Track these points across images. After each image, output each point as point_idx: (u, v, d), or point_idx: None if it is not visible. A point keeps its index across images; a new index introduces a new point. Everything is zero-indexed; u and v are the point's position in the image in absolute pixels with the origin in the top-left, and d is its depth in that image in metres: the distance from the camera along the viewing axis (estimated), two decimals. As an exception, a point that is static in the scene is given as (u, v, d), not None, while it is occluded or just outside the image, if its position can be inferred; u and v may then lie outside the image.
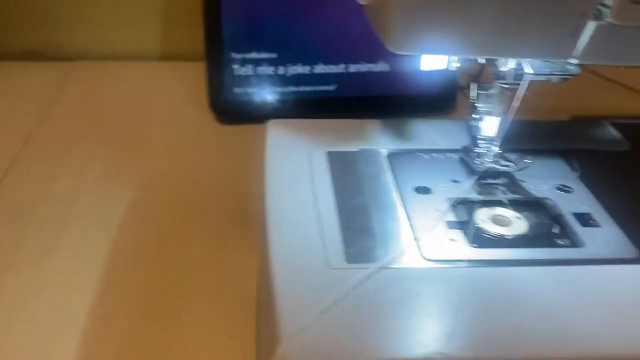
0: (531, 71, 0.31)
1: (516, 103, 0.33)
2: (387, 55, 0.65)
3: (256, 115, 0.65)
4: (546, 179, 0.37)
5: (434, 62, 0.32)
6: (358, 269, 0.30)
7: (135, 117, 0.68)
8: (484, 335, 0.27)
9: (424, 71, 0.65)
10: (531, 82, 0.33)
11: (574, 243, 0.32)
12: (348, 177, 0.37)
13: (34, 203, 0.53)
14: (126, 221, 0.52)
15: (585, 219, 0.34)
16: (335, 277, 0.29)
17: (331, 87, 0.67)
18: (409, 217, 0.34)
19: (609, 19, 0.26)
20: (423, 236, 0.32)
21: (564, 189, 0.36)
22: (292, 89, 0.67)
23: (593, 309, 0.28)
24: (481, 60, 0.33)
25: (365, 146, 0.40)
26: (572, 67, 0.31)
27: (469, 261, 0.31)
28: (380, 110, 0.63)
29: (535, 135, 0.42)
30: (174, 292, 0.45)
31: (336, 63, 0.66)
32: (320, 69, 0.66)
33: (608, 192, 0.36)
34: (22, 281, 0.45)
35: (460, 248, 0.32)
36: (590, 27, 0.27)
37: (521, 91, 0.32)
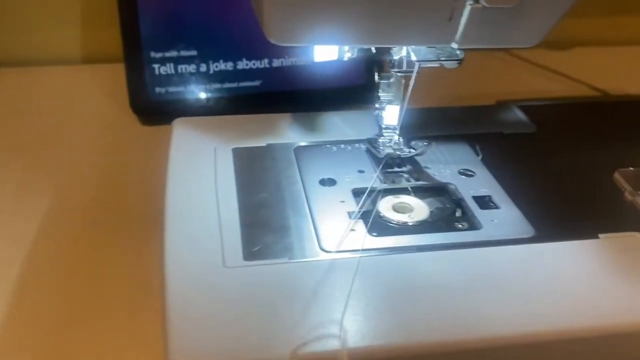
0: (416, 58, 0.31)
1: (409, 89, 0.33)
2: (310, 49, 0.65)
3: (179, 115, 0.64)
4: (450, 164, 0.37)
5: (325, 53, 0.32)
6: (255, 266, 0.29)
7: (56, 123, 0.65)
8: (384, 322, 0.26)
9: (347, 63, 0.65)
10: (424, 69, 0.33)
11: (473, 226, 0.33)
12: (253, 172, 0.36)
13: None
14: (43, 229, 0.50)
15: (485, 202, 0.34)
16: (230, 275, 0.29)
17: (255, 83, 0.66)
18: (310, 210, 0.33)
19: (482, 2, 0.26)
20: (323, 228, 0.32)
21: (466, 173, 0.37)
22: (216, 86, 0.66)
23: (490, 289, 0.28)
24: (373, 49, 0.33)
25: (273, 141, 0.40)
26: (459, 52, 0.31)
27: (368, 250, 0.31)
28: (306, 104, 0.62)
29: (443, 122, 0.42)
30: (90, 298, 0.43)
31: (259, 58, 0.65)
32: (243, 64, 0.65)
33: (509, 174, 0.37)
34: None
35: (360, 238, 0.32)
36: (466, 11, 0.27)
37: (412, 78, 0.32)
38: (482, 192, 0.35)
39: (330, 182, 0.36)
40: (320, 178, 0.36)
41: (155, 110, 0.65)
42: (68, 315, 0.43)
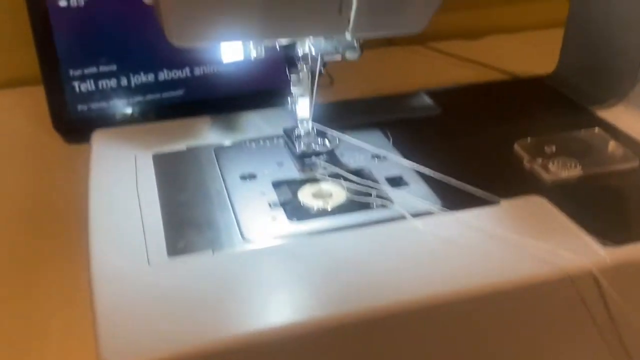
0: (313, 51, 0.33)
1: (315, 82, 0.35)
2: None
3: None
4: (363, 150, 0.40)
5: (232, 53, 0.34)
6: (179, 262, 0.30)
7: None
8: (308, 299, 0.28)
9: (266, 65, 0.66)
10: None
11: (387, 204, 0.35)
12: (174, 176, 0.37)
13: None
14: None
15: (396, 181, 0.37)
16: (155, 273, 0.30)
17: (178, 92, 0.67)
18: (232, 204, 0.35)
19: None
20: (245, 219, 0.33)
21: (378, 156, 0.39)
22: (139, 98, 0.66)
23: (402, 258, 0.30)
24: (278, 46, 0.34)
25: (193, 144, 0.41)
26: (350, 43, 0.33)
27: (289, 236, 0.32)
28: (230, 109, 0.64)
29: (358, 112, 0.44)
30: (23, 306, 0.43)
31: (180, 68, 0.66)
32: (164, 75, 0.66)
33: (418, 154, 0.39)
34: None
35: (281, 225, 0.33)
36: (354, 2, 0.29)
37: (317, 71, 0.34)
38: (394, 172, 0.37)
39: (251, 176, 0.37)
40: (241, 174, 0.37)
41: (78, 128, 0.65)
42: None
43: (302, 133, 0.39)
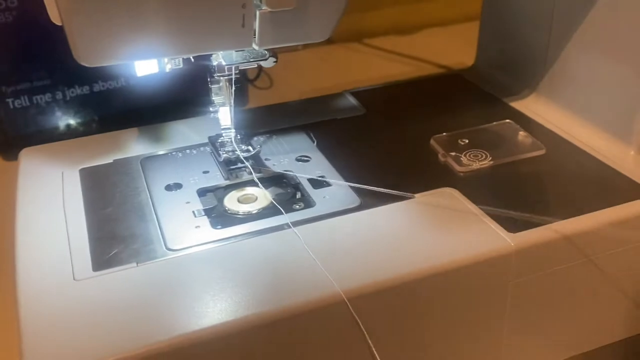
0: (225, 62, 0.34)
1: (232, 90, 0.36)
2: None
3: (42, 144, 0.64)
4: (288, 153, 0.41)
5: (146, 67, 0.34)
6: (103, 276, 0.31)
7: None
8: (230, 301, 0.29)
9: (193, 74, 0.67)
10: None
11: (308, 204, 0.36)
12: (100, 189, 0.38)
13: None
14: None
15: (318, 182, 0.38)
16: (80, 287, 0.30)
17: (114, 103, 0.67)
18: (156, 215, 0.36)
19: (265, 7, 0.29)
20: (168, 230, 0.34)
21: (302, 159, 0.41)
22: (75, 111, 0.66)
23: (327, 255, 0.32)
24: (192, 58, 0.35)
25: (120, 156, 0.41)
26: (266, 51, 0.35)
27: (212, 242, 0.33)
28: (170, 116, 0.64)
29: (283, 116, 0.46)
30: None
31: (114, 79, 0.66)
32: (99, 86, 0.66)
33: (341, 154, 0.41)
34: None
35: (205, 233, 0.34)
36: (257, 16, 0.30)
37: (232, 80, 0.35)
38: (317, 174, 0.39)
39: (176, 186, 0.38)
40: (166, 184, 0.38)
41: (17, 144, 0.64)
42: None
43: (226, 140, 0.40)
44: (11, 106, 0.63)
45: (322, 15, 0.31)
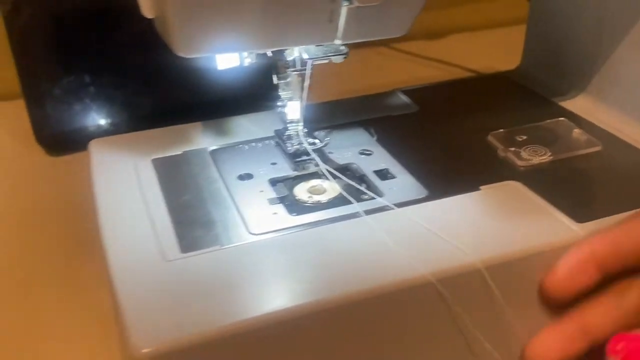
0: (307, 56, 0.36)
1: (306, 85, 0.37)
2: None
3: (87, 140, 0.65)
4: (350, 147, 0.42)
5: (228, 60, 0.36)
6: (192, 257, 0.32)
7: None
8: (309, 284, 0.31)
9: (242, 71, 0.69)
10: (317, 68, 0.38)
11: (377, 194, 0.38)
12: (175, 178, 0.39)
13: None
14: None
15: (384, 174, 0.40)
16: (172, 268, 0.32)
17: (155, 100, 0.68)
18: (234, 202, 0.37)
19: (355, 2, 0.31)
20: (248, 215, 0.36)
21: (365, 152, 0.42)
22: (118, 107, 0.67)
23: (401, 240, 0.33)
24: (269, 52, 0.37)
25: (189, 148, 0.43)
26: (343, 47, 0.36)
27: (290, 228, 0.35)
28: (205, 114, 0.65)
29: (340, 112, 0.47)
30: (33, 320, 0.44)
31: (157, 76, 0.67)
32: (141, 84, 0.67)
33: (401, 148, 0.42)
34: None
35: (282, 219, 0.36)
36: (343, 11, 0.32)
37: (308, 75, 0.37)
38: (381, 166, 0.40)
39: (248, 176, 0.40)
40: (238, 174, 0.40)
41: (61, 140, 0.66)
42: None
43: (292, 133, 0.41)
44: (58, 102, 0.65)
45: (403, 11, 0.33)
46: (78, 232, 0.54)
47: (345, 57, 0.38)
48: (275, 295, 0.30)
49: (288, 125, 0.41)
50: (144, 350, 0.27)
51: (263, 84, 0.69)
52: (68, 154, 0.66)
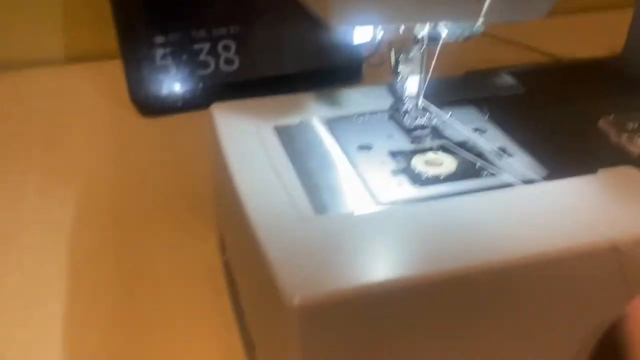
0: (446, 32, 0.37)
1: (432, 62, 0.38)
2: (299, 32, 0.69)
3: (180, 104, 0.68)
4: (464, 123, 0.43)
5: (364, 34, 0.37)
6: (327, 219, 0.34)
7: (56, 123, 0.68)
8: (434, 253, 0.32)
9: (331, 45, 0.70)
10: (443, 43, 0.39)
11: (494, 173, 0.39)
12: (297, 145, 0.41)
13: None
14: (78, 222, 0.53)
15: (500, 152, 0.41)
16: (309, 228, 0.34)
17: (247, 69, 0.70)
18: (358, 171, 0.39)
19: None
20: (373, 184, 0.37)
21: (478, 130, 0.43)
22: (209, 72, 0.69)
23: (515, 221, 0.34)
24: (401, 27, 0.38)
25: (305, 117, 0.44)
26: (477, 27, 0.37)
27: (415, 199, 0.36)
28: (293, 85, 0.67)
29: (447, 89, 0.48)
30: (144, 281, 0.47)
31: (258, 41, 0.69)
32: (233, 51, 0.69)
33: (514, 128, 0.43)
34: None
35: (407, 190, 0.37)
36: (491, -10, 0.33)
37: (437, 51, 0.38)
38: (496, 144, 0.41)
39: (367, 147, 0.41)
40: (358, 145, 0.41)
41: (156, 102, 0.68)
42: (127, 292, 0.47)
43: (411, 109, 0.43)
44: (154, 64, 0.67)
45: (547, -6, 0.34)
46: (179, 190, 0.56)
47: (466, 39, 0.39)
48: (417, 260, 0.32)
49: (406, 99, 0.43)
50: (297, 302, 0.29)
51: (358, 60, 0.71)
52: (161, 116, 0.68)
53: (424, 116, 0.43)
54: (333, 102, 0.47)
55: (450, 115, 0.44)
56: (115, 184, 0.58)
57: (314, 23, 0.35)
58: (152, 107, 0.68)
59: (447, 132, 0.43)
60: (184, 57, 0.67)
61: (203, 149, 0.62)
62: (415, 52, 0.40)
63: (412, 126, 0.42)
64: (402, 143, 0.42)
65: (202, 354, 0.41)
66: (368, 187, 0.37)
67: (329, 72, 0.72)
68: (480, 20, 0.34)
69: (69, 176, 0.59)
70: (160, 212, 0.54)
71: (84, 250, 0.50)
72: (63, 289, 0.46)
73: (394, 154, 0.41)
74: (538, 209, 0.35)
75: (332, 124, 0.44)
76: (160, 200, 0.55)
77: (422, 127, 0.42)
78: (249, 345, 0.39)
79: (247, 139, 0.42)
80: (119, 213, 0.54)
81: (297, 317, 0.30)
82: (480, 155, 0.41)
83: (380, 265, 0.31)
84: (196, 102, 0.66)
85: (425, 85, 0.41)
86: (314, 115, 0.45)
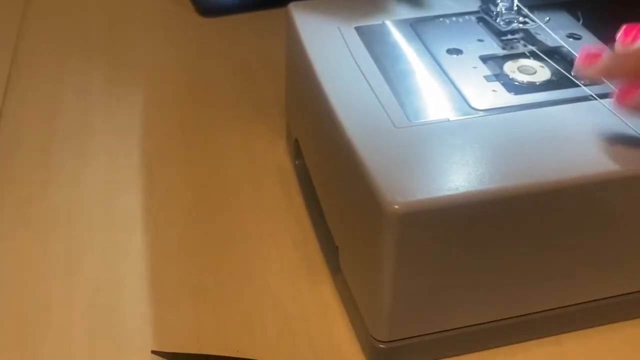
0: None
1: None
2: None
3: (236, 5, 0.66)
4: (556, 29, 0.41)
5: None
6: (421, 126, 0.33)
7: (115, 22, 0.66)
8: (534, 165, 0.31)
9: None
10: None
11: (592, 82, 0.37)
12: (381, 47, 0.40)
13: (50, 118, 0.53)
14: (146, 126, 0.53)
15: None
16: (403, 134, 0.33)
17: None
18: (448, 76, 0.37)
19: None
20: (467, 91, 0.36)
21: (573, 36, 0.41)
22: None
23: (611, 134, 0.33)
24: None
25: (387, 18, 0.42)
26: None
27: (511, 107, 0.35)
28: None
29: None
30: (216, 181, 0.48)
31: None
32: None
33: (610, 35, 0.40)
34: (65, 193, 0.47)
35: (502, 97, 0.36)
36: None
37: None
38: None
39: (457, 51, 0.39)
40: (447, 48, 0.39)
41: (215, 1, 0.66)
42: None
43: (504, 11, 0.40)
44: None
45: None
46: (245, 94, 0.56)
47: None
48: (510, 172, 0.31)
49: (498, 1, 0.40)
50: (396, 206, 0.29)
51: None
52: (220, 16, 0.66)
53: (519, 20, 0.40)
54: (416, 1, 0.44)
55: (542, 20, 0.41)
56: (180, 87, 0.57)
57: None
58: (211, 6, 0.66)
59: (540, 37, 0.40)
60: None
61: (267, 50, 0.60)
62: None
63: (505, 29, 0.40)
64: (493, 48, 0.40)
65: (282, 254, 0.42)
66: (461, 94, 0.36)
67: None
68: None
69: (133, 78, 0.58)
70: (227, 115, 0.54)
71: (156, 153, 0.50)
72: (139, 189, 0.47)
73: (485, 59, 0.39)
74: (634, 121, 0.34)
75: (416, 26, 0.42)
76: (225, 104, 0.55)
77: (514, 31, 0.40)
78: (329, 246, 0.40)
79: (329, 40, 0.40)
80: (186, 117, 0.54)
81: (396, 223, 0.29)
82: (573, 62, 0.38)
83: (474, 175, 0.30)
84: (255, 2, 0.64)
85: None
86: (396, 16, 0.43)
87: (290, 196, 0.46)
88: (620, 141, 0.32)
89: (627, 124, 0.33)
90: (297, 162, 0.46)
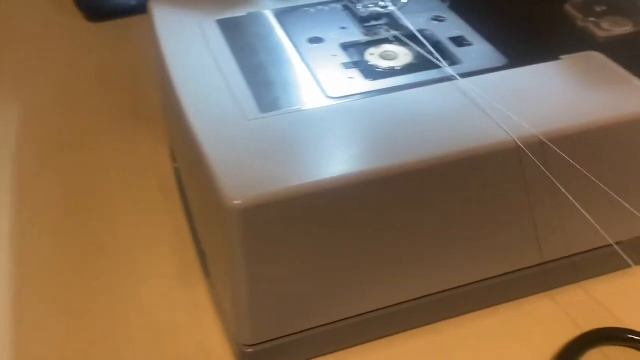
0: None
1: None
2: None
3: (125, 9, 0.63)
4: (421, 13, 0.41)
5: None
6: (273, 117, 0.32)
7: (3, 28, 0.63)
8: (390, 148, 0.30)
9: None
10: None
11: (453, 62, 0.36)
12: (242, 40, 0.38)
13: None
14: (23, 136, 0.50)
15: (459, 41, 0.38)
16: (253, 126, 0.31)
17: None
18: (307, 65, 0.36)
19: None
20: (324, 79, 0.35)
21: (437, 19, 0.40)
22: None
23: (477, 110, 0.32)
24: None
25: (252, 9, 0.41)
26: None
27: (367, 93, 0.34)
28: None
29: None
30: (93, 190, 0.45)
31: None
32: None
33: (475, 16, 0.40)
34: None
35: (359, 83, 0.35)
36: None
37: None
38: (456, 33, 0.39)
39: (318, 40, 0.38)
40: (308, 37, 0.38)
41: (100, 6, 0.64)
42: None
43: (366, -3, 0.39)
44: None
45: None
46: (126, 94, 0.54)
47: None
48: (361, 156, 0.30)
49: (360, -13, 0.39)
50: (237, 202, 0.28)
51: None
52: (106, 20, 0.64)
53: (379, 5, 0.39)
54: (281, -8, 0.43)
55: (407, 4, 0.41)
56: (61, 94, 0.54)
57: None
58: (96, 11, 0.63)
59: (403, 22, 0.40)
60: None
61: (153, 54, 0.58)
62: None
63: (366, 15, 0.39)
64: (356, 35, 0.39)
65: (157, 261, 0.40)
66: (317, 82, 0.35)
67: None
68: None
69: (12, 86, 0.55)
70: (110, 122, 0.51)
71: (33, 162, 0.47)
72: (8, 202, 0.44)
73: (345, 47, 0.38)
74: (499, 97, 0.33)
75: (281, 16, 0.40)
76: (109, 110, 0.52)
77: (377, 16, 0.39)
78: (201, 253, 0.38)
79: (187, 35, 0.38)
80: (66, 125, 0.51)
81: (239, 219, 0.28)
82: (437, 45, 0.38)
83: (324, 165, 0.29)
84: (143, 6, 0.62)
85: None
86: (260, 7, 0.41)
87: (170, 201, 0.44)
88: (470, 119, 0.32)
89: (476, 104, 0.33)
90: (175, 165, 0.45)
